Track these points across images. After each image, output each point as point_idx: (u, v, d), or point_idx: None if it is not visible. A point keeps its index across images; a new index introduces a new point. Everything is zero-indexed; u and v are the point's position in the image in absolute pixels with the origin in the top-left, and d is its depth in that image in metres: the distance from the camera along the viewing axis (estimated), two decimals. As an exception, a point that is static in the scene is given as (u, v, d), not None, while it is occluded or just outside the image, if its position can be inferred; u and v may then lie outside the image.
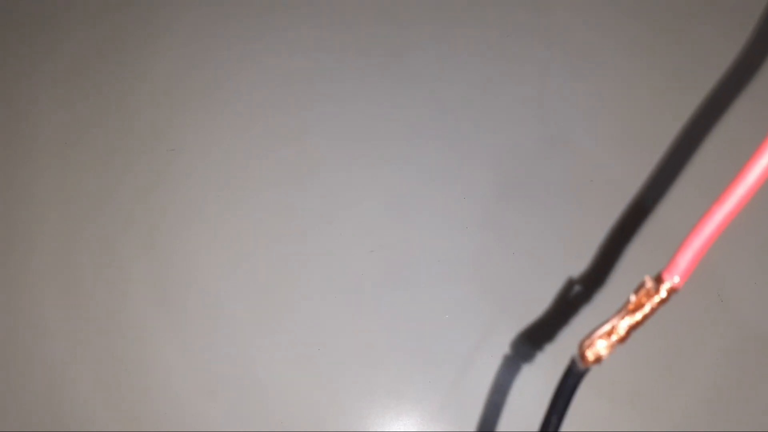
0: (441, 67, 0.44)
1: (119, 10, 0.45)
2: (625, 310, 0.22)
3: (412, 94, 0.44)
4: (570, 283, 0.40)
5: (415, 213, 0.41)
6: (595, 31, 0.46)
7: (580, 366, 0.23)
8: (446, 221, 0.41)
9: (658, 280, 0.21)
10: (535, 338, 0.39)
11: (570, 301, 0.40)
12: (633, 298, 0.21)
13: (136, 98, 0.43)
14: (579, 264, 0.40)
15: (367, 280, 0.40)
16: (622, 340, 0.22)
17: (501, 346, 0.39)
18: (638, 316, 0.22)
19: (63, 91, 0.43)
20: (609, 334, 0.22)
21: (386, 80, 0.44)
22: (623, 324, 0.22)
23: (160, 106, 0.43)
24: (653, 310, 0.22)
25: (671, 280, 0.21)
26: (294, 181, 0.42)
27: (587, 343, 0.22)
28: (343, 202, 0.41)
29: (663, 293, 0.21)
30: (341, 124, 0.43)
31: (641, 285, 0.21)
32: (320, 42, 0.45)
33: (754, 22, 0.46)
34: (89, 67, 0.44)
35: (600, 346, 0.22)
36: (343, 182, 0.42)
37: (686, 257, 0.21)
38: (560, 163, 0.42)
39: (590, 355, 0.22)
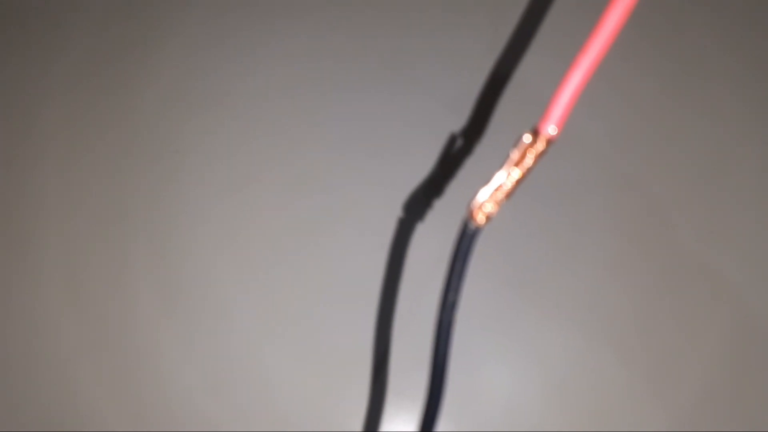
0: (440, 68, 0.44)
1: (125, 14, 0.45)
2: (508, 165, 0.23)
3: (413, 94, 0.44)
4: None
5: (414, 213, 0.41)
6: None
7: (472, 227, 0.23)
8: (446, 221, 0.41)
9: (536, 132, 0.22)
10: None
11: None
12: (515, 153, 0.22)
13: (141, 100, 0.43)
14: (578, 264, 0.40)
15: (369, 280, 0.40)
16: (509, 194, 0.23)
17: (502, 346, 0.39)
18: (521, 169, 0.23)
19: (68, 93, 0.43)
20: (496, 191, 0.23)
21: (387, 79, 0.44)
22: (509, 180, 0.23)
23: (166, 107, 0.43)
24: (535, 163, 0.23)
25: (548, 132, 0.22)
26: (301, 183, 0.42)
27: (475, 203, 0.23)
28: (343, 201, 0.41)
29: (541, 145, 0.22)
30: (345, 125, 0.43)
31: (520, 139, 0.22)
32: (324, 45, 0.45)
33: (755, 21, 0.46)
34: (95, 69, 0.44)
35: (488, 205, 0.23)
36: (343, 182, 0.42)
37: (558, 107, 0.23)
38: (560, 163, 0.42)
39: (480, 215, 0.23)
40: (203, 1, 0.46)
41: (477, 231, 0.23)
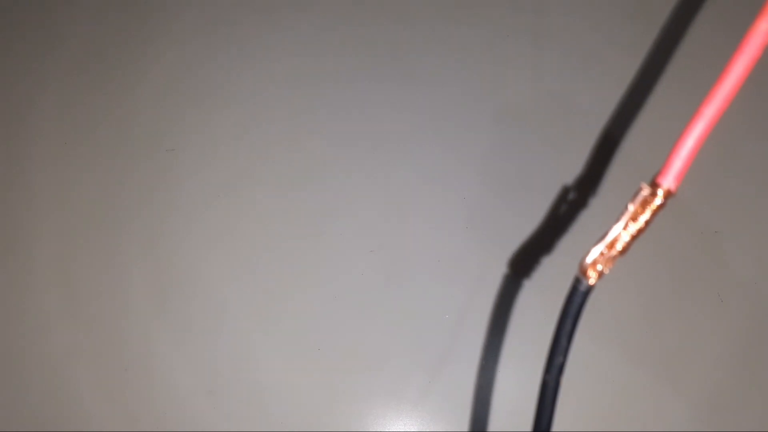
0: (440, 67, 0.44)
1: (118, 10, 0.45)
2: (625, 219, 0.21)
3: (412, 95, 0.44)
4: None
5: (414, 213, 0.41)
6: (595, 32, 0.46)
7: (584, 283, 0.22)
8: (446, 221, 0.41)
9: (654, 185, 0.21)
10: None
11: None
12: (631, 206, 0.21)
13: (136, 98, 0.43)
14: (577, 264, 0.40)
15: (367, 280, 0.40)
16: (624, 251, 0.21)
17: (502, 345, 0.39)
18: (638, 224, 0.21)
19: (62, 92, 0.43)
20: (610, 246, 0.21)
21: (385, 81, 0.44)
22: (625, 234, 0.21)
23: (160, 106, 0.43)
24: (652, 217, 0.21)
25: (666, 185, 0.21)
26: (294, 181, 0.42)
27: (589, 258, 0.21)
28: (344, 202, 0.41)
29: (659, 199, 0.21)
30: (341, 124, 0.43)
31: (638, 193, 0.21)
32: (320, 43, 0.45)
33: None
34: (88, 67, 0.44)
35: (602, 262, 0.22)
36: (343, 182, 0.42)
37: (678, 160, 0.21)
38: (560, 162, 0.42)
39: (592, 272, 0.21)
40: (202, 0, 0.45)
41: (589, 290, 0.22)
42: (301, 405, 0.38)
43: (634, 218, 0.21)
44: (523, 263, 0.40)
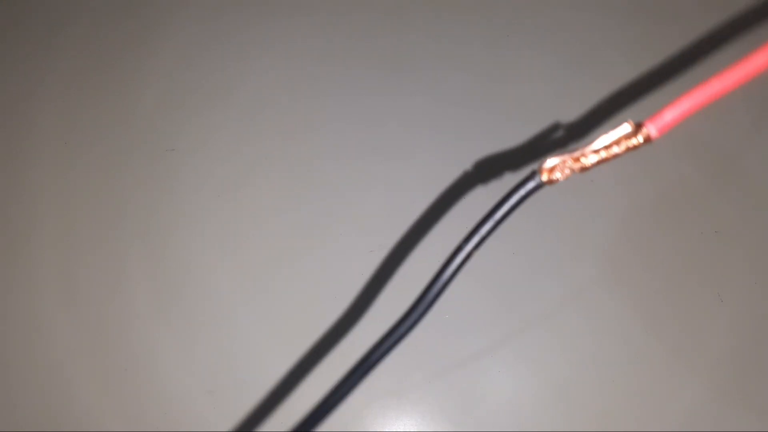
0: (440, 66, 0.44)
1: (119, 11, 0.45)
2: (599, 142, 0.23)
3: (412, 94, 0.43)
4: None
5: (414, 213, 0.41)
6: (596, 30, 0.46)
7: (537, 178, 0.23)
8: (446, 221, 0.41)
9: (639, 126, 0.22)
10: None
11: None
12: (608, 136, 0.22)
13: (136, 98, 0.43)
14: (578, 263, 0.40)
15: (367, 280, 0.40)
16: (584, 169, 0.23)
17: (501, 346, 0.39)
18: (608, 152, 0.22)
19: (63, 92, 0.43)
20: (575, 159, 0.22)
21: (386, 80, 0.44)
22: (593, 156, 0.22)
23: (160, 106, 0.43)
24: (623, 153, 0.22)
25: (649, 130, 0.22)
26: (294, 181, 0.42)
27: (550, 161, 0.23)
28: (344, 202, 0.41)
29: (638, 139, 0.22)
30: (341, 124, 0.43)
31: (621, 126, 0.22)
32: (320, 41, 0.45)
33: (755, 20, 0.46)
34: (89, 67, 0.44)
35: (562, 168, 0.23)
36: (343, 182, 0.42)
37: (671, 114, 0.22)
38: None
39: (546, 175, 0.23)
40: (201, 1, 0.45)
41: (538, 186, 0.23)
42: (301, 405, 0.38)
43: (607, 146, 0.22)
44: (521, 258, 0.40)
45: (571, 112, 0.44)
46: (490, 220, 0.24)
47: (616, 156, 0.22)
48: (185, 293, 0.39)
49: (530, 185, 0.23)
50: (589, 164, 0.22)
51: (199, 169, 0.42)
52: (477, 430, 0.38)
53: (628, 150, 0.22)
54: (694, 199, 0.42)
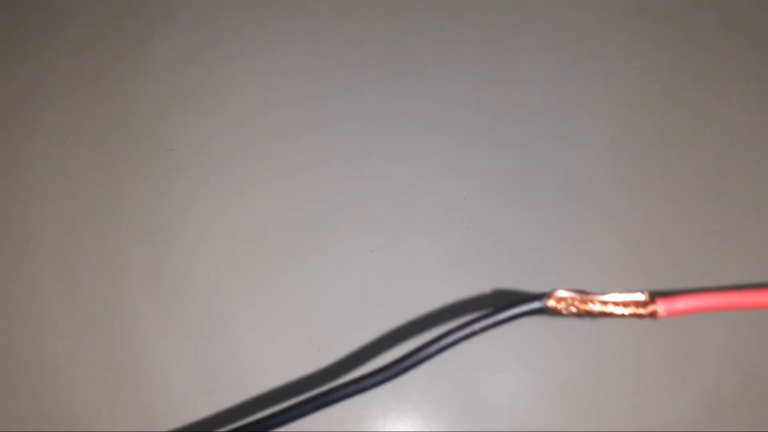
0: (441, 66, 0.44)
1: (119, 10, 0.45)
2: (608, 296, 0.23)
3: (412, 94, 0.43)
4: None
5: (415, 213, 0.41)
6: (598, 30, 0.46)
7: (545, 301, 0.23)
8: (446, 221, 0.41)
9: (651, 299, 0.22)
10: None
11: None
12: (620, 296, 0.22)
13: (136, 98, 0.43)
14: (578, 263, 0.40)
15: (367, 280, 0.40)
16: (583, 314, 0.23)
17: (501, 346, 0.39)
18: (610, 312, 0.23)
19: (62, 92, 0.43)
20: (584, 301, 0.23)
21: (386, 80, 0.44)
22: (598, 306, 0.23)
23: (160, 105, 0.43)
24: (627, 316, 0.22)
25: (658, 308, 0.22)
26: (294, 181, 0.41)
27: (563, 293, 0.23)
28: (344, 202, 0.41)
29: (645, 311, 0.23)
30: (341, 123, 0.43)
31: (635, 292, 0.23)
32: (320, 40, 0.45)
33: (756, 20, 0.46)
34: (89, 67, 0.44)
35: (569, 303, 0.23)
36: (343, 182, 0.41)
37: (684, 304, 0.22)
38: (561, 162, 0.42)
39: (555, 301, 0.23)
40: (201, 0, 0.45)
41: (542, 309, 0.23)
42: (301, 405, 0.38)
43: (616, 303, 0.23)
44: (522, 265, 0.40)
45: (571, 111, 0.44)
46: (488, 319, 0.24)
47: (620, 316, 0.22)
48: (185, 293, 0.39)
49: (535, 305, 0.23)
50: (594, 312, 0.23)
51: (199, 169, 0.42)
52: (477, 430, 0.38)
53: (632, 316, 0.22)
54: (694, 199, 0.42)
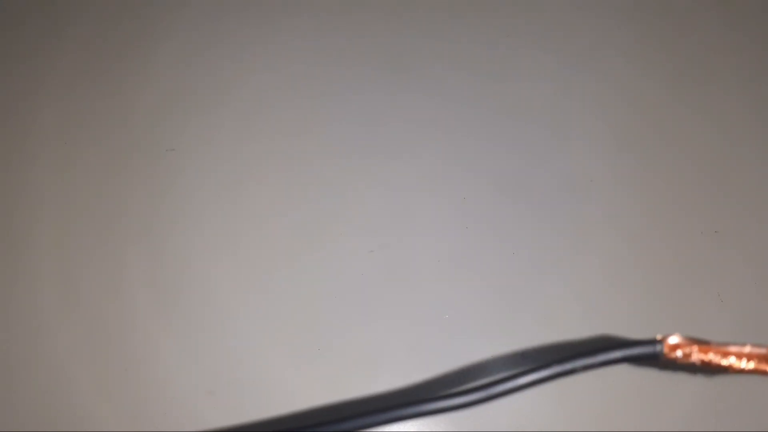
0: (441, 66, 0.44)
1: (119, 10, 0.45)
2: (736, 347, 0.22)
3: (412, 93, 0.44)
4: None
5: (415, 213, 0.41)
6: (598, 29, 0.46)
7: (659, 347, 0.22)
8: (446, 221, 0.41)
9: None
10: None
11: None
12: (754, 349, 0.22)
13: (136, 98, 0.43)
14: (578, 263, 0.40)
15: (367, 280, 0.40)
16: (692, 362, 0.22)
17: (501, 346, 0.39)
18: (731, 367, 0.22)
19: (62, 92, 0.43)
20: (699, 349, 0.22)
21: (386, 79, 0.44)
22: (715, 357, 0.22)
23: (160, 105, 0.43)
24: (753, 370, 0.22)
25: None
26: (294, 181, 0.42)
27: (675, 339, 0.22)
28: (343, 201, 0.41)
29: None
30: (341, 123, 0.43)
31: (763, 347, 0.22)
32: (320, 42, 0.45)
33: (757, 21, 0.46)
34: (89, 67, 0.44)
35: (686, 353, 0.22)
36: (343, 182, 0.42)
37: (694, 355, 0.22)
38: (561, 162, 0.42)
39: (670, 350, 0.22)
40: (201, 0, 0.46)
41: (656, 355, 0.22)
42: (301, 405, 0.38)
43: (739, 357, 0.22)
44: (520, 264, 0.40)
45: (572, 111, 0.44)
46: (593, 358, 0.23)
47: (733, 372, 0.21)
48: (185, 293, 0.39)
49: (647, 350, 0.22)
50: (704, 360, 0.21)
51: (199, 169, 0.42)
52: (477, 430, 0.38)
53: (758, 372, 0.21)
54: (694, 199, 0.42)
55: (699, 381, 0.39)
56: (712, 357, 0.21)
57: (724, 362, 0.21)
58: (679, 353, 0.21)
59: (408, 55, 0.44)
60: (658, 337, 0.22)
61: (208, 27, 0.45)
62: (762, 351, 0.21)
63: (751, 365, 0.21)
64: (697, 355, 0.22)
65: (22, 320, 0.39)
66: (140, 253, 0.40)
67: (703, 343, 0.21)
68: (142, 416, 0.38)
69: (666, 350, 0.22)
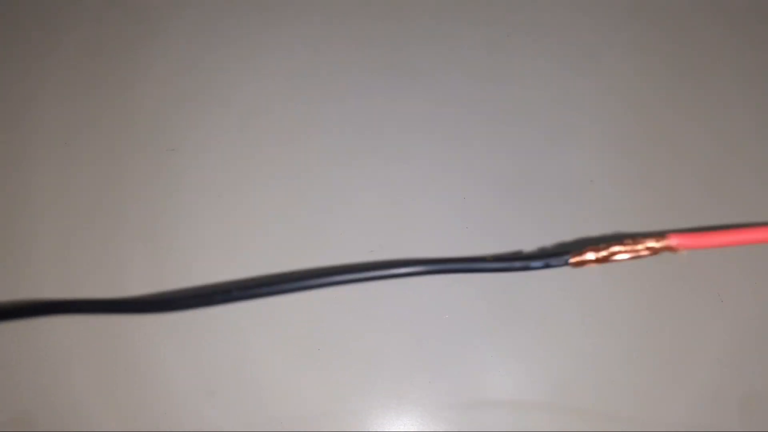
0: (441, 66, 0.44)
1: (118, 8, 0.45)
2: (629, 242, 0.29)
3: (412, 93, 0.44)
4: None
5: (415, 213, 0.41)
6: (597, 30, 0.46)
7: (566, 258, 0.30)
8: (446, 221, 0.41)
9: (667, 245, 0.28)
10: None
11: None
12: (645, 244, 0.28)
13: (136, 98, 0.43)
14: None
15: (367, 281, 0.40)
16: (604, 260, 0.29)
17: (501, 345, 0.39)
18: (631, 253, 0.28)
19: (62, 92, 0.43)
20: (605, 254, 0.29)
21: (386, 79, 0.44)
22: (619, 254, 0.29)
23: (161, 105, 0.43)
24: (645, 256, 0.28)
25: (673, 243, 0.28)
26: (294, 181, 0.42)
27: (586, 255, 0.30)
28: (343, 201, 0.41)
29: (660, 247, 0.28)
30: (341, 123, 0.43)
31: (653, 238, 0.28)
32: (320, 39, 0.45)
33: (757, 20, 0.46)
34: (90, 67, 0.44)
35: (589, 256, 0.29)
36: (343, 182, 0.42)
37: (699, 241, 0.28)
38: (561, 162, 0.43)
39: (576, 258, 0.30)
40: (203, 1, 0.46)
41: (563, 262, 0.30)
42: (301, 405, 0.38)
43: (632, 243, 0.28)
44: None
45: (571, 111, 0.44)
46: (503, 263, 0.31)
47: (638, 258, 0.28)
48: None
49: (561, 257, 0.31)
50: (610, 259, 0.29)
51: (201, 170, 0.42)
52: (477, 430, 0.38)
53: (651, 254, 0.28)
54: (694, 199, 0.42)
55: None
56: (608, 256, 0.29)
57: (624, 257, 0.29)
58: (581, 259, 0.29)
59: (408, 58, 0.44)
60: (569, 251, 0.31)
61: (210, 28, 0.45)
62: (651, 243, 0.28)
63: (644, 252, 0.28)
64: (601, 256, 0.29)
65: (23, 320, 0.39)
66: (140, 253, 0.40)
67: (603, 251, 0.29)
68: (142, 416, 0.38)
69: (574, 260, 0.30)
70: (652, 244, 0.27)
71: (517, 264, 0.30)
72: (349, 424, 0.38)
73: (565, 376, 0.39)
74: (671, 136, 0.44)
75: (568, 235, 0.41)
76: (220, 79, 0.44)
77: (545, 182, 0.42)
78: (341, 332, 0.39)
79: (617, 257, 0.29)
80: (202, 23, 0.45)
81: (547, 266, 0.29)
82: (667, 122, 0.44)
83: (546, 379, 0.39)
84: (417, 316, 0.39)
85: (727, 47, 0.46)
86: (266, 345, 0.39)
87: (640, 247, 0.27)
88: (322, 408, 0.38)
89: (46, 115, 0.43)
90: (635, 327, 0.40)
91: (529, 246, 0.40)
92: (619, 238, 0.29)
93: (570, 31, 0.46)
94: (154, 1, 0.46)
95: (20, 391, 0.38)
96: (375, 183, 0.42)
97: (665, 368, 0.39)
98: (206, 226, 0.41)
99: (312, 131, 0.43)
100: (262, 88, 0.44)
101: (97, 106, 0.43)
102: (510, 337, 0.39)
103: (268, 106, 0.43)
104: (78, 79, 0.43)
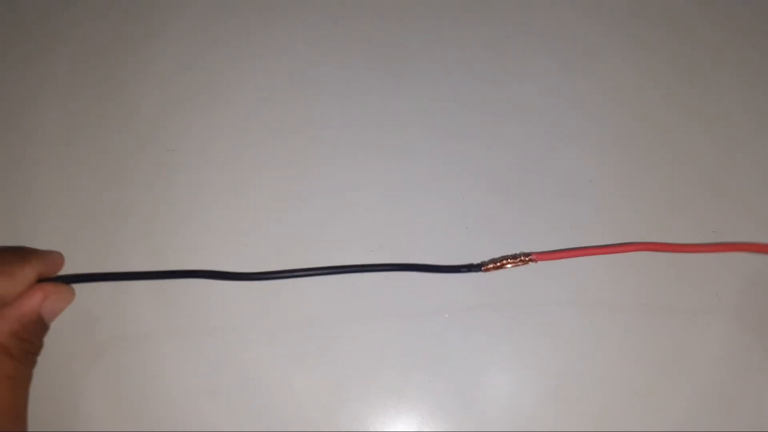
0: (442, 65, 0.44)
1: (118, 8, 0.45)
2: (494, 261, 0.38)
3: (412, 93, 0.44)
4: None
5: (414, 213, 0.41)
6: (597, 30, 0.46)
7: (478, 265, 0.38)
8: (446, 221, 0.41)
9: (526, 256, 0.38)
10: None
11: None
12: (510, 264, 0.38)
13: (137, 98, 0.43)
14: (578, 263, 0.40)
15: (367, 280, 0.40)
16: (488, 269, 0.38)
17: (501, 345, 0.39)
18: (498, 267, 0.38)
19: (63, 92, 0.43)
20: (497, 265, 0.38)
21: (386, 79, 0.44)
22: (493, 266, 0.38)
23: (161, 106, 0.43)
24: (510, 267, 0.38)
25: (532, 259, 0.38)
26: (294, 181, 0.42)
27: (494, 263, 0.38)
28: (343, 202, 0.41)
29: (522, 263, 0.38)
30: (341, 122, 0.43)
31: (517, 258, 0.38)
32: (320, 39, 0.45)
33: (757, 20, 0.46)
34: (89, 66, 0.44)
35: (491, 268, 0.38)
36: (343, 182, 0.42)
37: (551, 257, 0.38)
38: (560, 162, 0.43)
39: (489, 267, 0.38)
40: (202, 2, 0.46)
41: (476, 268, 0.38)
42: (301, 405, 0.38)
43: (500, 262, 0.38)
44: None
45: (571, 111, 0.44)
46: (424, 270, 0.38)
47: (503, 267, 0.38)
48: (185, 293, 0.39)
49: (472, 264, 0.39)
50: (492, 268, 0.38)
51: (200, 170, 0.42)
52: (477, 430, 0.38)
53: (515, 265, 0.38)
54: (693, 199, 0.42)
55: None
56: (499, 265, 0.38)
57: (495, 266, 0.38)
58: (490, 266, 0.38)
59: (408, 57, 0.44)
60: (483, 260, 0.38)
61: (209, 28, 0.45)
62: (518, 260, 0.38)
63: (508, 266, 0.38)
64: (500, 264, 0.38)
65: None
66: (141, 253, 0.40)
67: (497, 262, 0.38)
68: (142, 416, 0.38)
69: (485, 268, 0.38)
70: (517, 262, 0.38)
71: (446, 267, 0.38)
72: (349, 424, 0.38)
73: (565, 376, 0.39)
74: (671, 136, 0.44)
75: (567, 234, 0.41)
76: (220, 79, 0.44)
77: (545, 182, 0.42)
78: (341, 332, 0.39)
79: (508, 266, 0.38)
80: (201, 23, 0.45)
81: (468, 270, 0.38)
82: (667, 122, 0.44)
83: (546, 379, 0.39)
84: (417, 316, 0.39)
85: (727, 47, 0.46)
86: (267, 345, 0.39)
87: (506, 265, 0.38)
88: (322, 407, 0.38)
89: (46, 115, 0.43)
90: (634, 327, 0.40)
91: (528, 245, 0.40)
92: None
93: (570, 31, 0.46)
94: (154, 1, 0.46)
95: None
96: (375, 183, 0.42)
97: (664, 368, 0.39)
98: (206, 226, 0.41)
99: (312, 131, 0.43)
100: (261, 87, 0.44)
101: (97, 107, 0.43)
102: (510, 337, 0.39)
103: (267, 107, 0.43)
104: (78, 79, 0.43)
